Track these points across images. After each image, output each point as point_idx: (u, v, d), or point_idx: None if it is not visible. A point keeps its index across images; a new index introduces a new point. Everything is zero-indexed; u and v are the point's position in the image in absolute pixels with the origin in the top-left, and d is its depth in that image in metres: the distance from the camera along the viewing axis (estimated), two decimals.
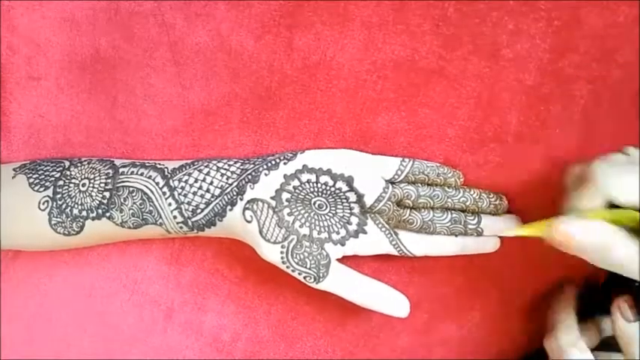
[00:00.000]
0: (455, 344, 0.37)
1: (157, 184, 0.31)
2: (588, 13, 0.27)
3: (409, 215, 0.32)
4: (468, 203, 0.32)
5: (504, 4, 0.27)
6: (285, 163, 0.31)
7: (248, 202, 0.31)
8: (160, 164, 0.32)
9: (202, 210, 0.31)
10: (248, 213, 0.31)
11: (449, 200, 0.31)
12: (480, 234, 0.32)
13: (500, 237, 0.33)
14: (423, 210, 0.32)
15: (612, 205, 0.26)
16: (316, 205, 0.32)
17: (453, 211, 0.32)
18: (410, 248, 0.32)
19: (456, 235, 0.32)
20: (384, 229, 0.32)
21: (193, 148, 0.33)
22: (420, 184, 0.31)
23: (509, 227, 0.32)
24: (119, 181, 0.32)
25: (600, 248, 0.25)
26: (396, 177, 0.31)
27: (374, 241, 0.32)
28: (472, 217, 0.32)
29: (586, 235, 0.25)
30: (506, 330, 0.37)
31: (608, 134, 0.30)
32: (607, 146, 0.30)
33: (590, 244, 0.25)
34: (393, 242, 0.32)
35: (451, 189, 0.32)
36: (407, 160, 0.31)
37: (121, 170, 0.32)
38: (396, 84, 0.30)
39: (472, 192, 0.32)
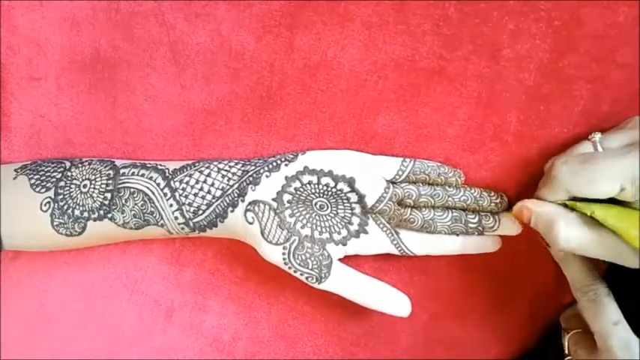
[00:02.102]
0: (455, 344, 0.37)
1: (158, 185, 0.31)
2: (588, 13, 0.27)
3: (410, 214, 0.32)
4: (468, 202, 0.32)
5: (504, 4, 0.27)
6: (286, 165, 0.31)
7: (249, 203, 0.31)
8: (160, 165, 0.32)
9: (204, 211, 0.31)
10: (250, 214, 0.31)
11: (450, 199, 0.31)
12: (480, 233, 0.32)
13: (500, 235, 0.33)
14: (424, 209, 0.32)
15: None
16: (317, 206, 0.32)
17: (453, 210, 0.32)
18: (411, 247, 0.32)
19: (457, 234, 0.32)
20: (385, 228, 0.32)
21: (194, 148, 0.33)
22: (420, 184, 0.32)
23: (510, 225, 0.32)
24: (120, 182, 0.32)
25: (547, 225, 0.26)
26: (397, 177, 0.31)
27: (375, 240, 0.32)
28: (473, 216, 0.32)
29: (537, 211, 0.27)
30: (506, 330, 0.37)
31: None
32: None
33: (541, 222, 0.27)
34: (394, 242, 0.32)
35: (452, 188, 0.32)
36: (408, 160, 0.31)
37: (121, 171, 0.32)
38: (396, 84, 0.30)
39: (473, 191, 0.32)
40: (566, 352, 0.32)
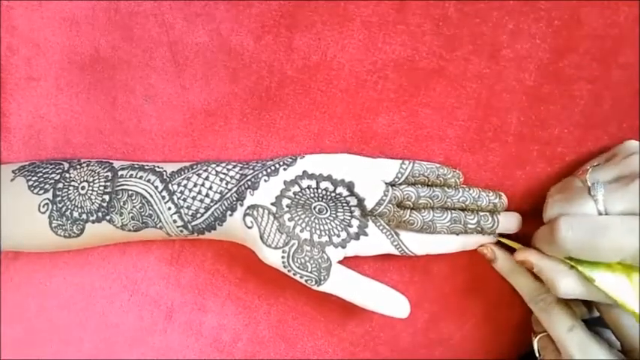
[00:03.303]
0: (455, 344, 0.37)
1: (156, 187, 0.31)
2: (588, 13, 0.27)
3: (410, 216, 0.32)
4: (467, 203, 0.32)
5: (504, 4, 0.27)
6: (284, 169, 0.31)
7: (248, 208, 0.31)
8: (158, 167, 0.32)
9: (202, 214, 0.31)
10: (248, 219, 0.31)
11: (448, 200, 0.31)
12: (479, 232, 0.32)
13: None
14: (423, 210, 0.32)
15: None
16: (316, 210, 0.32)
17: (452, 211, 0.32)
18: (411, 247, 0.32)
19: (457, 234, 0.32)
20: (384, 230, 0.32)
21: (193, 148, 0.33)
22: (419, 185, 0.31)
23: (508, 225, 0.32)
24: (118, 184, 0.32)
25: (548, 279, 0.28)
26: (397, 180, 0.31)
27: (375, 242, 0.32)
28: (472, 217, 0.32)
29: (540, 265, 0.29)
30: (506, 329, 0.37)
31: (608, 134, 0.30)
32: (607, 147, 0.30)
33: (543, 274, 0.29)
34: (394, 243, 0.32)
35: (450, 189, 0.32)
36: (407, 162, 0.31)
37: (119, 173, 0.32)
38: (396, 84, 0.30)
39: (471, 191, 0.32)
40: (537, 354, 0.32)
